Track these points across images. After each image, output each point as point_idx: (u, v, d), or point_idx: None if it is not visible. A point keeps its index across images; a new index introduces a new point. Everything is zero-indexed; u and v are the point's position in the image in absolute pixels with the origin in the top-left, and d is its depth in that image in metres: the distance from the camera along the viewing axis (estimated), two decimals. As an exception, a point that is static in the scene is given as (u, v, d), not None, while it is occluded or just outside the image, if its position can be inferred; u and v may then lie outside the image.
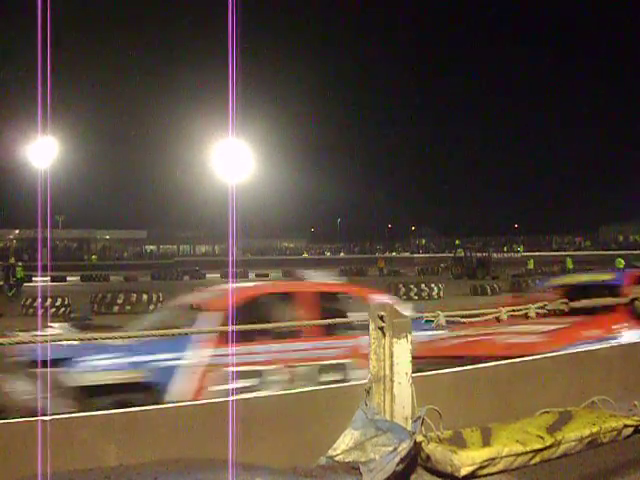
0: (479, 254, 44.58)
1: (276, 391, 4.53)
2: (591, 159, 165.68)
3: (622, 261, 40.17)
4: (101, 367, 5.35)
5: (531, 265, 45.13)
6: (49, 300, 19.24)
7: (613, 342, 6.72)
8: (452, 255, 48.14)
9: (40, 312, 18.57)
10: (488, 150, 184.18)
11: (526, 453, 4.49)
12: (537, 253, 76.24)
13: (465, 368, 5.36)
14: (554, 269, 46.63)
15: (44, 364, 4.90)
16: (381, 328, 4.67)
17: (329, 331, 6.19)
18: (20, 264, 31.46)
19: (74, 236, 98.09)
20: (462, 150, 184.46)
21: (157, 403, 4.80)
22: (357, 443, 4.27)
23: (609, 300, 7.22)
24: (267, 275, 49.53)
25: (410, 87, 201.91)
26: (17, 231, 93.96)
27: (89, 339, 4.65)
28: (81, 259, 78.49)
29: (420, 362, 5.06)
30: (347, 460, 4.14)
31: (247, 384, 5.57)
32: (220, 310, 5.83)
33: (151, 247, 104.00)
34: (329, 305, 6.57)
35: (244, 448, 3.96)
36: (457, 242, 69.84)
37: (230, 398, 4.15)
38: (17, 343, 4.08)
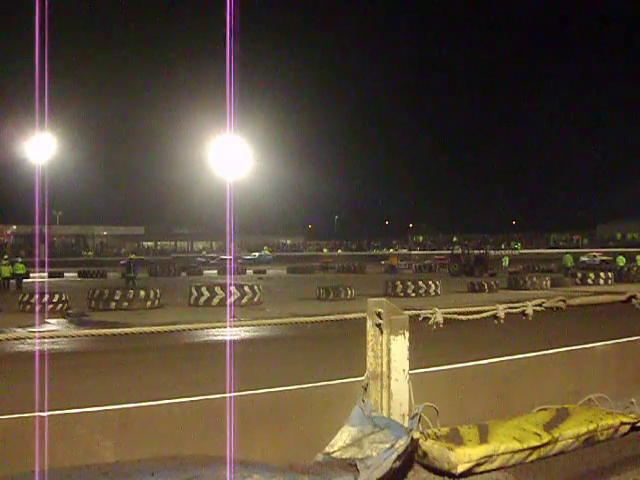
0: (476, 251, 44.63)
1: (273, 388, 4.52)
2: (590, 157, 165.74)
3: (623, 259, 40.23)
4: None
5: (506, 263, 45.26)
6: (46, 296, 19.21)
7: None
8: (450, 252, 48.20)
9: (38, 308, 18.56)
10: (486, 147, 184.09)
11: (523, 450, 4.50)
12: (535, 250, 76.37)
13: (462, 365, 5.36)
14: (551, 266, 46.84)
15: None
16: (379, 325, 4.67)
17: None
18: (20, 260, 31.65)
19: (72, 232, 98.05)
20: (460, 147, 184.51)
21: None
22: (354, 440, 4.27)
23: (607, 297, 7.22)
24: (264, 272, 49.54)
25: (408, 84, 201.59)
26: (15, 227, 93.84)
27: (85, 335, 4.63)
28: (79, 255, 78.49)
29: None
30: (344, 457, 4.14)
31: None
32: None
33: (149, 243, 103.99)
34: None
35: (241, 444, 3.97)
36: (455, 239, 70.00)
37: (228, 395, 4.15)
38: (15, 339, 4.06)
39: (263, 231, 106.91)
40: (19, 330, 14.22)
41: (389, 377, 4.60)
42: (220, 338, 12.01)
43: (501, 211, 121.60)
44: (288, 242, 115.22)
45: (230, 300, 20.32)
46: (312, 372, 7.13)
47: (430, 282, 25.24)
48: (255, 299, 21.06)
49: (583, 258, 51.08)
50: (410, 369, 4.68)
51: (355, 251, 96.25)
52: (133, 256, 33.29)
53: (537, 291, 26.22)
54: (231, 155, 40.30)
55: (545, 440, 4.61)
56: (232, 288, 21.10)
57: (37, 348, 10.86)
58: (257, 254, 78.55)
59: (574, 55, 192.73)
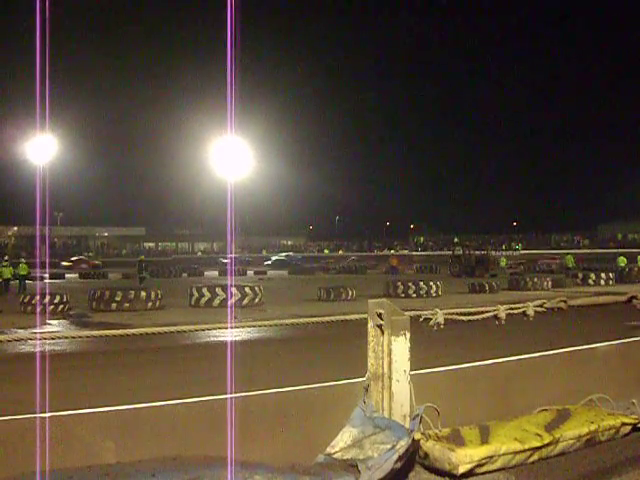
0: (477, 252, 44.59)
1: (274, 389, 4.52)
2: (590, 158, 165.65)
3: (624, 259, 40.11)
4: None
5: (503, 263, 45.47)
6: (47, 297, 19.21)
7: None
8: (451, 253, 48.16)
9: (39, 309, 18.56)
10: (487, 148, 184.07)
11: (524, 451, 4.49)
12: (535, 251, 76.34)
13: (463, 366, 5.36)
14: (552, 267, 46.85)
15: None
16: (379, 326, 4.67)
17: None
18: (23, 261, 31.66)
19: (73, 233, 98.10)
20: (461, 148, 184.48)
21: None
22: (355, 441, 4.26)
23: (608, 298, 7.21)
24: (265, 272, 49.52)
25: (409, 85, 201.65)
26: (16, 228, 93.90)
27: (86, 336, 4.62)
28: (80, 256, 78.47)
29: None
30: (345, 458, 4.13)
31: None
32: None
33: (150, 244, 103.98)
34: None
35: (242, 445, 3.96)
36: (456, 240, 70.01)
37: (228, 395, 4.14)
38: (16, 340, 4.05)
39: (264, 232, 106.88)
40: (20, 331, 14.22)
41: (390, 378, 4.60)
42: (221, 339, 12.01)
43: (502, 212, 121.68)
44: (289, 243, 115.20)
45: (231, 301, 20.32)
46: (313, 373, 7.12)
47: (431, 283, 25.20)
48: (256, 300, 21.06)
49: None
50: (411, 370, 4.68)
51: (356, 252, 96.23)
52: (143, 257, 34.73)
53: (538, 292, 26.20)
54: (232, 156, 40.28)
55: (546, 441, 4.61)
56: (233, 289, 21.10)
57: (38, 349, 10.87)
58: (285, 255, 79.63)
59: (572, 55, 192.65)
